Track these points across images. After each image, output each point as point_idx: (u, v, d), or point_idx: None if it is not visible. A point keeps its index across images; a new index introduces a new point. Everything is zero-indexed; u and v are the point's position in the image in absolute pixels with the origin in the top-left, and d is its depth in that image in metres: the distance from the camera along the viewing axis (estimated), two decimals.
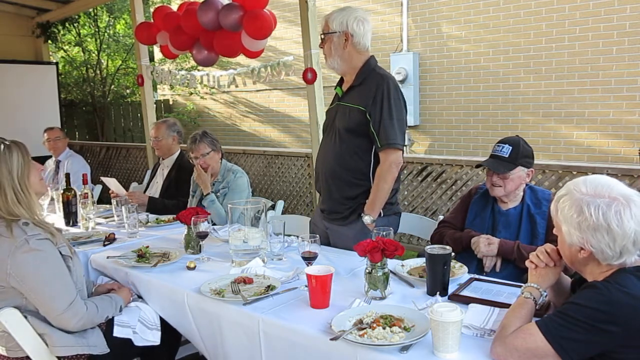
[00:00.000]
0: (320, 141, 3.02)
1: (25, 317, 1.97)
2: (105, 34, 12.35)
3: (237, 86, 5.64)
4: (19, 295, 1.98)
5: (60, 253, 2.03)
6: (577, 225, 1.47)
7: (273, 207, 3.60)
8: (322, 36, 2.72)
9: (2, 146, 2.05)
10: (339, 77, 2.85)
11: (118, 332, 2.13)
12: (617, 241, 1.43)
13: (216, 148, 3.51)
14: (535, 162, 2.58)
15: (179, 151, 4.11)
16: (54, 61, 9.61)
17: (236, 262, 2.36)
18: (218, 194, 3.43)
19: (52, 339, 1.96)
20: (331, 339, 1.60)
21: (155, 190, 4.04)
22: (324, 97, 4.75)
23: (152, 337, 2.20)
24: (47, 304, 1.96)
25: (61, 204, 3.39)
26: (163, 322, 2.25)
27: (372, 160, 2.66)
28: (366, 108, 2.58)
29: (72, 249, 2.13)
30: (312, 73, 4.63)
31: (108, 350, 2.07)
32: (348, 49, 2.66)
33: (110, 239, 2.87)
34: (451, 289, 1.97)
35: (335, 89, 2.85)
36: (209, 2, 4.38)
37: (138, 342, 2.16)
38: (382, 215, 2.65)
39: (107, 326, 2.14)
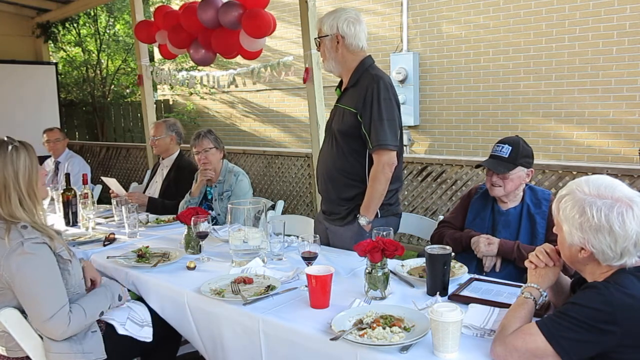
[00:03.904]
0: (320, 142, 3.02)
1: (25, 317, 1.96)
2: (105, 34, 12.36)
3: (237, 86, 5.65)
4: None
5: (61, 256, 2.00)
6: (579, 225, 1.46)
7: (273, 207, 3.60)
8: (317, 39, 2.74)
9: (10, 147, 2.00)
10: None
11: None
12: (618, 242, 1.43)
13: (219, 146, 3.57)
14: (535, 162, 2.58)
15: (178, 151, 4.11)
16: (54, 61, 9.62)
17: (236, 262, 2.36)
18: (222, 196, 3.46)
19: (47, 344, 1.94)
20: (331, 339, 1.60)
21: (154, 190, 4.04)
22: (324, 97, 4.76)
23: (144, 334, 2.18)
24: (33, 310, 1.91)
25: (61, 204, 3.39)
26: (163, 322, 2.25)
27: (367, 161, 2.66)
28: (357, 110, 2.58)
29: (71, 253, 2.10)
30: (306, 73, 4.65)
31: (104, 357, 2.03)
32: (340, 50, 2.66)
33: (110, 239, 2.87)
34: (451, 289, 1.97)
35: (335, 90, 2.85)
36: (210, 0, 4.40)
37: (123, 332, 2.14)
38: (379, 216, 2.64)
39: (107, 326, 2.13)
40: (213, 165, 3.53)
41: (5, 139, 2.04)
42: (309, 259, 2.11)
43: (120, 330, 2.13)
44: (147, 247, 2.63)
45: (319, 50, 2.78)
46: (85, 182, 3.42)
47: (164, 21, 4.92)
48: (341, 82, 2.84)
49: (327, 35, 2.66)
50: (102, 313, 2.06)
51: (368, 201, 2.61)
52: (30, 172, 2.02)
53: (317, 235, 2.17)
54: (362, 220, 2.62)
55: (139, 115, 11.68)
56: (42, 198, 2.10)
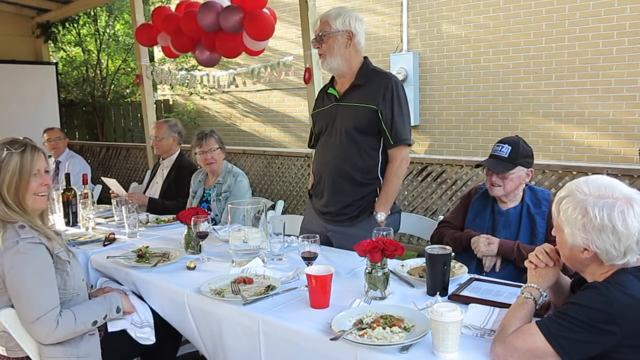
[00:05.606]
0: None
1: None
2: (105, 34, 12.36)
3: (237, 86, 5.65)
4: None
5: (59, 257, 1.98)
6: (582, 226, 1.46)
7: (273, 207, 3.61)
8: (322, 35, 2.67)
9: (5, 152, 1.96)
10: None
11: (112, 326, 2.11)
12: (622, 241, 1.43)
13: (222, 147, 3.61)
14: (535, 162, 2.58)
15: (178, 152, 4.11)
16: (54, 61, 9.62)
17: (236, 262, 2.36)
18: (220, 197, 3.46)
19: (41, 349, 1.93)
20: (331, 339, 1.60)
21: (154, 190, 4.04)
22: None
23: (141, 334, 2.18)
24: (21, 309, 1.89)
25: (61, 204, 3.38)
26: (163, 322, 2.25)
27: (380, 158, 2.68)
28: (377, 106, 2.60)
29: (70, 254, 2.08)
30: (307, 73, 4.66)
31: None
32: (350, 48, 2.67)
33: (110, 239, 2.87)
34: (451, 289, 1.97)
35: (327, 90, 2.82)
36: (209, 4, 4.38)
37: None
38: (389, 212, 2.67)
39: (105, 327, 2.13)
40: (218, 165, 3.56)
41: (8, 142, 1.99)
42: (309, 259, 2.11)
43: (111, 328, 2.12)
44: (147, 247, 2.63)
45: (318, 47, 2.71)
46: (85, 182, 3.42)
47: (164, 24, 4.90)
48: (331, 82, 2.82)
49: (339, 31, 2.64)
50: (95, 322, 2.00)
51: (386, 197, 2.63)
52: (17, 183, 1.96)
53: (317, 235, 2.17)
54: (380, 217, 2.63)
55: (139, 115, 11.68)
56: (34, 209, 2.02)
